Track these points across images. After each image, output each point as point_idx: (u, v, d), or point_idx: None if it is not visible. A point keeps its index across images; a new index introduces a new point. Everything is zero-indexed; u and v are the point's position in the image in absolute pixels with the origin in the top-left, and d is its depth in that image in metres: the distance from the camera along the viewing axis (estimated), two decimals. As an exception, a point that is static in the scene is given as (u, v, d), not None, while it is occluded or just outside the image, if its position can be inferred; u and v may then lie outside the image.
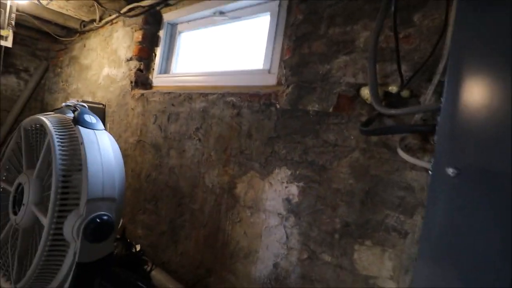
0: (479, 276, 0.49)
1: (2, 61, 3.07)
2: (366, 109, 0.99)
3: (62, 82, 2.97)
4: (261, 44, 1.44)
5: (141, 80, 1.97)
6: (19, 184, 1.14)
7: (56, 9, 2.43)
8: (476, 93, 0.51)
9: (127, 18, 2.10)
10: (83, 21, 2.72)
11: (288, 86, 1.20)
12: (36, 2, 2.18)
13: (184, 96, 1.59)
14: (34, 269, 0.94)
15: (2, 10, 2.31)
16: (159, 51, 2.00)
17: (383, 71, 0.97)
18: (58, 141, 1.02)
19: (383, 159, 0.94)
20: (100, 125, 1.19)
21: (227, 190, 1.34)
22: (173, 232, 1.54)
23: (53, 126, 1.07)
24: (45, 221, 0.93)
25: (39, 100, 3.35)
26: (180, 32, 2.05)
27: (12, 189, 1.16)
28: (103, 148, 1.10)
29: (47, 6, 2.31)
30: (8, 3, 2.12)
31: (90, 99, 2.34)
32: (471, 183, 0.50)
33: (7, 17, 2.28)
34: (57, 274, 0.97)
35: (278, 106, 1.22)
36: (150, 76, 2.00)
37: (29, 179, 1.09)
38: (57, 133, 1.05)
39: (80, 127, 1.10)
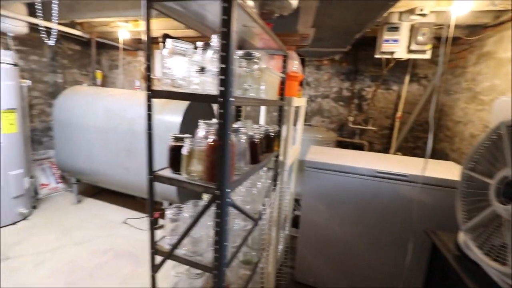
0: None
1: (410, 73, 3.80)
2: None
3: (465, 81, 3.01)
4: None
5: None
6: (504, 177, 1.22)
7: (473, 9, 2.45)
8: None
9: None
10: (498, 11, 2.51)
11: None
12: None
13: None
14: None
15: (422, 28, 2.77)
16: None
17: None
18: None
19: None
20: None
21: None
22: None
23: None
24: None
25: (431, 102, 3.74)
26: None
27: (493, 181, 1.28)
28: None
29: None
30: (452, 16, 2.41)
31: (520, 95, 2.09)
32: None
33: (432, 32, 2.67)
34: None
35: None
36: None
37: (523, 175, 1.11)
38: None
39: None
